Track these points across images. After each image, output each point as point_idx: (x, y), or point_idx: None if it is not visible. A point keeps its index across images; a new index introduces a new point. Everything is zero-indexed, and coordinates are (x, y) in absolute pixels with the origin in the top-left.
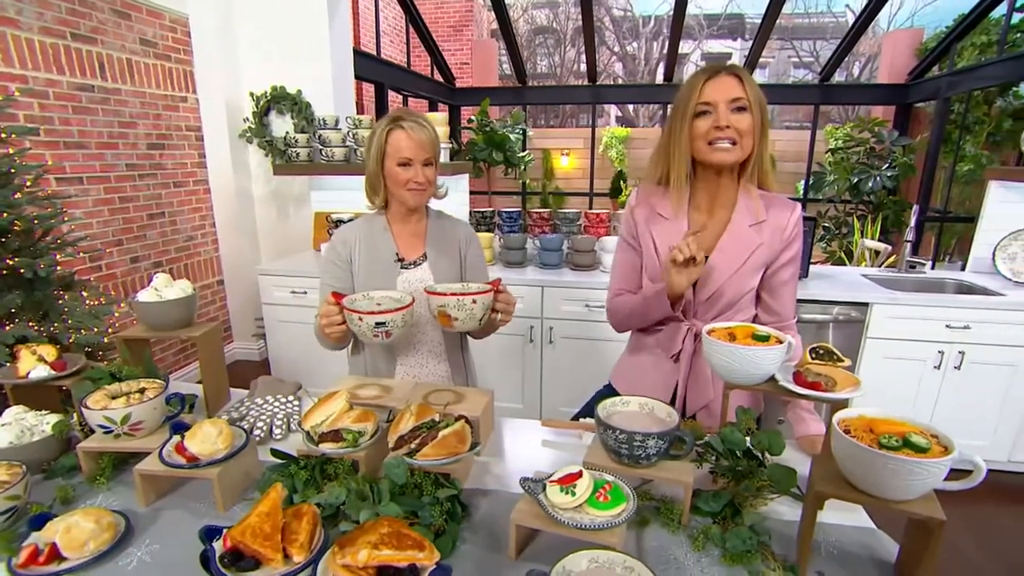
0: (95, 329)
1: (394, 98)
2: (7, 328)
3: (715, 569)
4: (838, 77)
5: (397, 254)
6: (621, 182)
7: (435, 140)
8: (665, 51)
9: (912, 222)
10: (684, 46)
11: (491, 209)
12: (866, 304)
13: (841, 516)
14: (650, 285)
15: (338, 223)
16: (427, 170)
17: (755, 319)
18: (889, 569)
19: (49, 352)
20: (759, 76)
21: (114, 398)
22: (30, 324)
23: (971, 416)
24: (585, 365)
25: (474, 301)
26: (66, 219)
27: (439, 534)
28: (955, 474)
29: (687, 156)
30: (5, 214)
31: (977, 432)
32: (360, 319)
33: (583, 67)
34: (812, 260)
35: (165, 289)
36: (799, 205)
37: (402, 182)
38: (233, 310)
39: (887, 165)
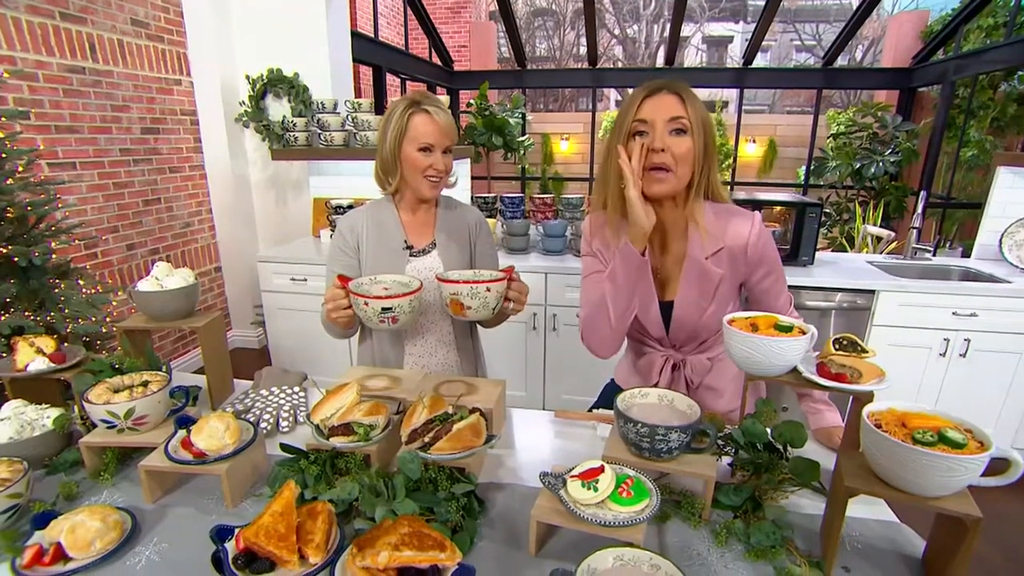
0: (93, 318)
1: (392, 81)
2: (3, 318)
3: (739, 564)
4: (841, 61)
5: (406, 242)
6: None
7: (454, 127)
8: (666, 34)
9: (919, 209)
10: (685, 29)
11: (493, 195)
12: (872, 291)
13: (864, 510)
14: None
15: (337, 209)
16: (446, 158)
17: None
18: (916, 564)
19: (48, 344)
20: (760, 60)
21: (116, 392)
22: (26, 313)
23: (975, 403)
24: (588, 353)
25: (488, 289)
26: (60, 205)
27: (456, 531)
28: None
29: (619, 178)
30: None
31: (981, 419)
32: (366, 304)
33: (583, 50)
34: (819, 248)
35: (166, 278)
36: (757, 215)
37: (421, 168)
38: (231, 297)
39: (890, 151)
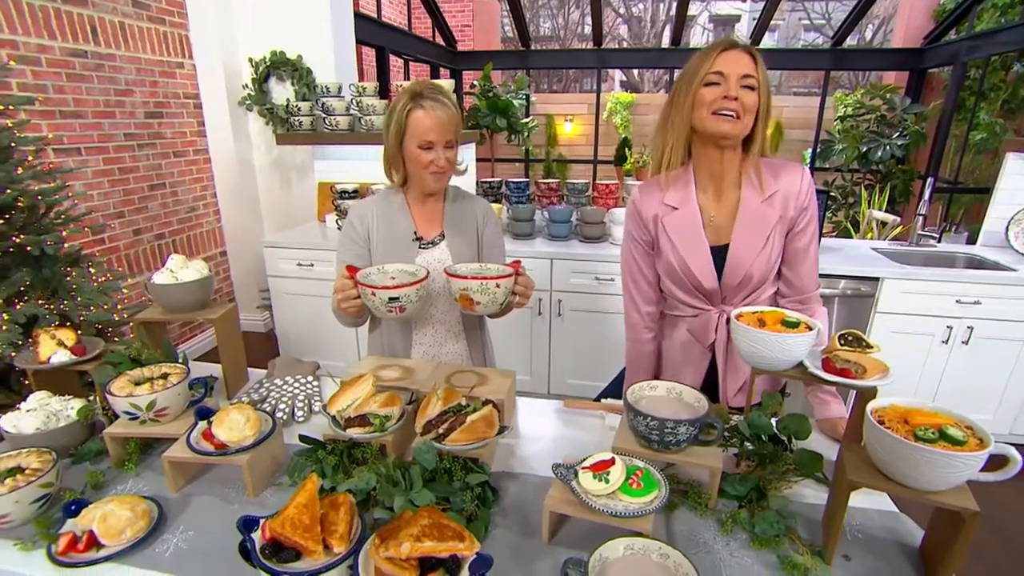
0: (104, 306)
1: (394, 62)
2: (18, 307)
3: (744, 553)
4: (850, 41)
5: (415, 233)
6: (626, 149)
7: (457, 119)
8: (672, 13)
9: (926, 195)
10: (692, 7)
11: (498, 179)
12: (876, 278)
13: (864, 500)
14: None
15: (343, 193)
16: (448, 152)
17: (776, 294)
18: (914, 553)
19: (69, 337)
20: (768, 40)
21: (137, 384)
22: (39, 302)
23: (976, 390)
24: (594, 338)
25: (497, 285)
26: (70, 193)
27: (470, 519)
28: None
29: (687, 126)
30: (8, 190)
31: (981, 406)
32: (373, 294)
33: (587, 29)
34: (823, 232)
35: (181, 271)
36: (806, 168)
37: (423, 164)
38: (237, 281)
39: (898, 134)
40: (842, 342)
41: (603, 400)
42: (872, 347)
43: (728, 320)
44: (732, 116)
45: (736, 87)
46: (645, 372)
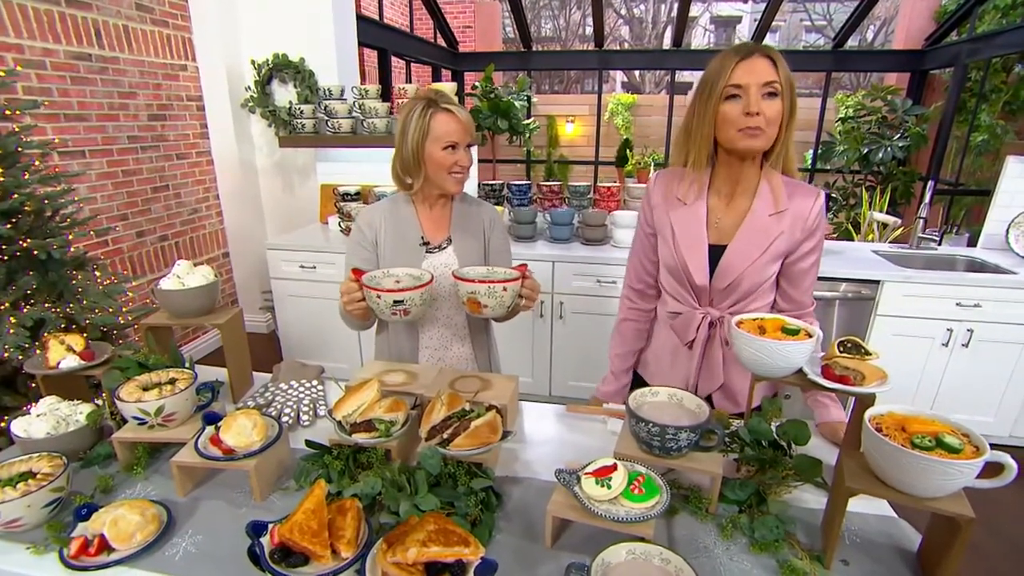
0: (109, 309)
1: (396, 64)
2: (25, 310)
3: (744, 557)
4: (851, 42)
5: (423, 238)
6: (627, 150)
7: (473, 123)
8: (674, 14)
9: (927, 199)
10: (693, 8)
11: (500, 182)
12: (877, 282)
13: (863, 505)
14: (609, 386)
15: (345, 196)
16: (468, 153)
17: (773, 305)
18: (912, 558)
19: (77, 342)
20: (769, 41)
21: (146, 389)
22: (46, 305)
23: (976, 392)
24: (595, 341)
25: (504, 289)
26: (76, 198)
27: (474, 524)
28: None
29: (709, 139)
30: (15, 195)
31: (981, 408)
32: (378, 297)
33: (588, 30)
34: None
35: (187, 276)
36: (823, 193)
37: (447, 166)
38: (239, 283)
39: (899, 135)
40: (841, 349)
41: (604, 405)
42: (871, 354)
43: (711, 324)
44: (758, 131)
45: (757, 99)
46: (617, 348)
